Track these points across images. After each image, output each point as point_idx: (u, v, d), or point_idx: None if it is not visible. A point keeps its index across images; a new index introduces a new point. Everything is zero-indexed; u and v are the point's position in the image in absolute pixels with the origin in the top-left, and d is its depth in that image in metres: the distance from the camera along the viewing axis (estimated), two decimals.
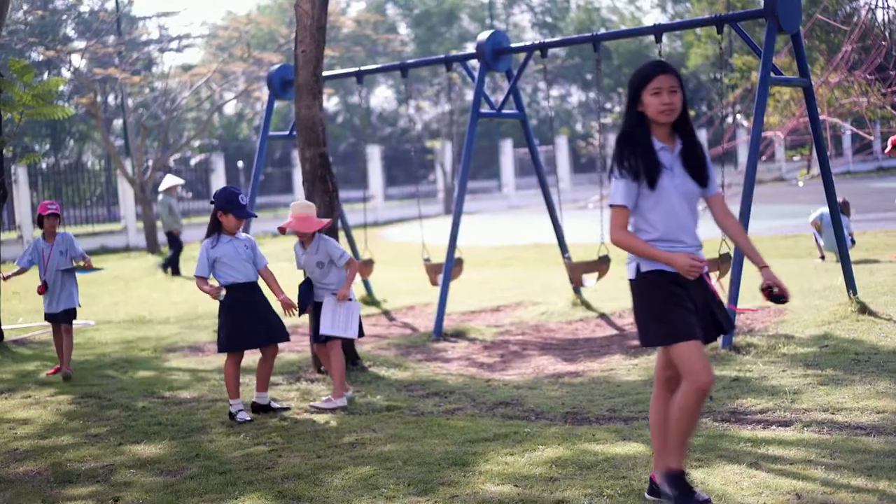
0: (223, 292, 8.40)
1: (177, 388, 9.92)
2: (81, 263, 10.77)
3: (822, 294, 12.16)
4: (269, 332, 8.58)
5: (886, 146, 14.83)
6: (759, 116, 10.60)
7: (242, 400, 8.68)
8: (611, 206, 5.39)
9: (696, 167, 5.43)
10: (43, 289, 10.66)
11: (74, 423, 8.60)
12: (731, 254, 10.57)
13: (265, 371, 8.68)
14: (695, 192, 5.44)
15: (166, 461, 7.20)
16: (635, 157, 5.32)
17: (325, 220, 9.11)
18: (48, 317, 10.86)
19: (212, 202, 8.52)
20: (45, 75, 36.56)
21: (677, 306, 5.31)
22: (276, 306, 8.68)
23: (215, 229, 8.51)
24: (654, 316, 5.37)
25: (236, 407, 8.44)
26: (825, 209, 14.00)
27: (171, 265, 21.80)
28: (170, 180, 22.23)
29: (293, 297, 8.75)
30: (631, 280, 5.48)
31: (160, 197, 22.48)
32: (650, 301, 5.40)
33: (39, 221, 10.77)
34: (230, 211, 8.43)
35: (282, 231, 9.06)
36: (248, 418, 8.36)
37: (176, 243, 21.84)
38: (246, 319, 8.48)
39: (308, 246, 8.91)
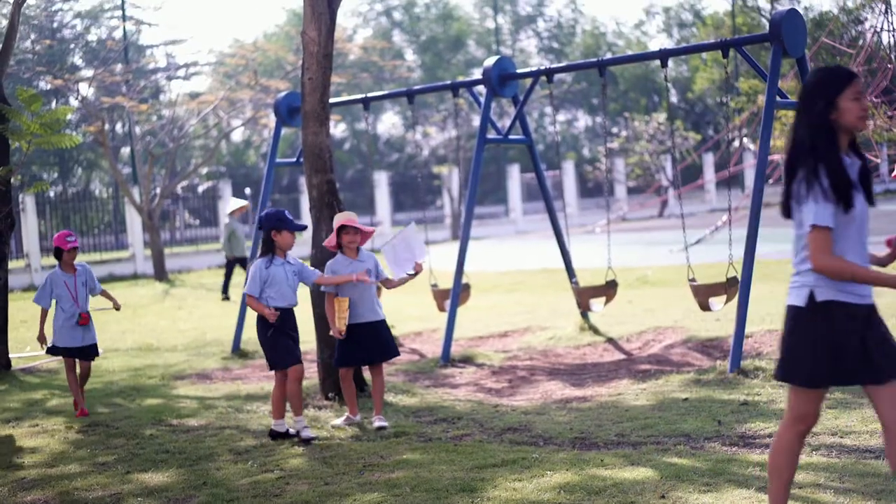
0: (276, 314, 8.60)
1: (184, 416, 9.91)
2: (113, 307, 10.71)
3: None
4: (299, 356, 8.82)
5: (893, 169, 14.82)
6: (766, 140, 10.60)
7: (248, 427, 8.67)
8: (814, 226, 4.75)
9: (869, 185, 4.90)
10: (86, 320, 10.25)
11: (82, 452, 8.59)
12: (739, 278, 10.55)
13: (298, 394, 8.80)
14: (867, 212, 4.90)
15: (174, 489, 7.19)
16: (834, 174, 4.74)
17: (372, 228, 9.27)
18: (68, 351, 10.25)
19: (260, 227, 8.63)
20: (53, 104, 36.75)
21: (842, 349, 4.79)
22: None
23: (270, 250, 8.61)
24: (815, 354, 4.81)
25: (282, 426, 8.63)
26: None
27: (223, 288, 21.54)
28: (234, 203, 21.63)
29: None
30: (797, 307, 4.89)
31: (226, 221, 21.96)
32: (817, 336, 4.81)
33: (57, 254, 10.44)
34: (283, 227, 8.61)
35: (333, 245, 9.10)
36: (314, 435, 8.56)
37: (230, 267, 21.46)
38: (291, 340, 8.69)
39: (356, 256, 9.04)
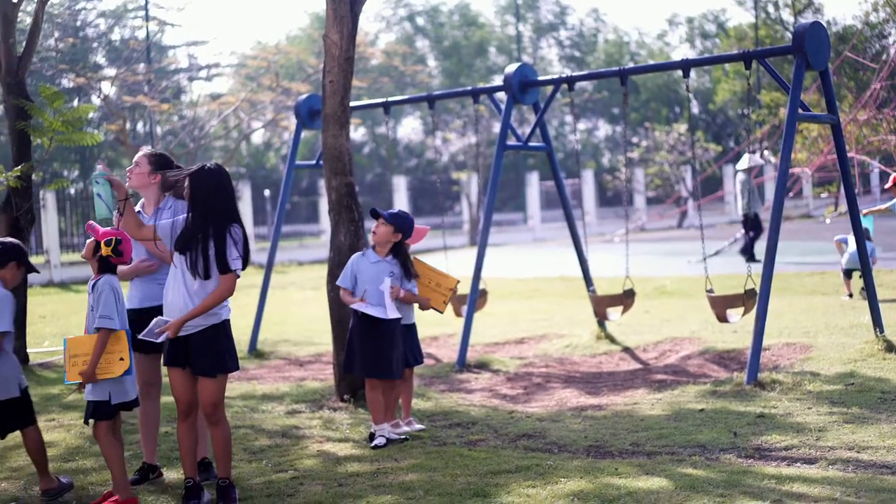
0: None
1: None
2: None
3: (848, 332, 12.10)
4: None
5: None
6: (787, 153, 10.57)
7: (263, 427, 8.68)
8: None
9: None
10: None
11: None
12: (757, 290, 10.51)
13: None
14: None
15: None
16: None
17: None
18: None
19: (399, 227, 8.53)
20: (75, 102, 36.79)
21: None
22: None
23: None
24: None
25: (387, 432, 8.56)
26: (849, 235, 13.91)
27: (748, 250, 20.77)
28: (750, 160, 21.02)
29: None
30: None
31: (740, 176, 21.14)
32: None
33: None
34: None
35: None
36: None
37: (756, 226, 20.78)
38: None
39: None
